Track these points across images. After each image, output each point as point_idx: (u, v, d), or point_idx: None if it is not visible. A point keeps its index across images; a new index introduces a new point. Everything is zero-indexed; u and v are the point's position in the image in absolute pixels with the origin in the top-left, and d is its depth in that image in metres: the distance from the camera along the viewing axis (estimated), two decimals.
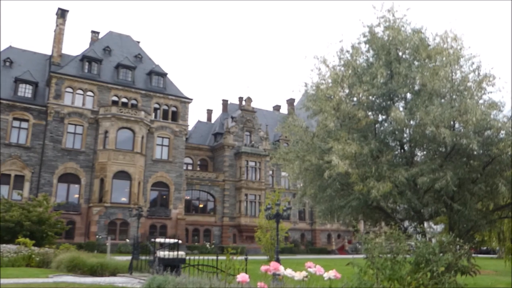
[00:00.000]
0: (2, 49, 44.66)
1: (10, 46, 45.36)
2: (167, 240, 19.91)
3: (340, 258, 35.14)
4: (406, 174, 12.91)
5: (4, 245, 22.04)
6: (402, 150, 15.31)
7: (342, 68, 15.48)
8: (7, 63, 42.82)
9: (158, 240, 20.56)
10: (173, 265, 14.10)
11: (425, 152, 15.25)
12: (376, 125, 15.21)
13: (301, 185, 17.96)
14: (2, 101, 38.68)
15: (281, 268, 4.87)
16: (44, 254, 21.04)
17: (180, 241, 22.57)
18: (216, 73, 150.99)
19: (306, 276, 5.08)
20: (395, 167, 13.46)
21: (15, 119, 39.20)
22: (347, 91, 15.33)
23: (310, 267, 5.16)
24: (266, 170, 53.60)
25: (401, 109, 14.35)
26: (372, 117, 15.07)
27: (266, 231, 31.31)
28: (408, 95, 14.74)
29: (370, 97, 14.72)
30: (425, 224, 16.04)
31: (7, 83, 40.58)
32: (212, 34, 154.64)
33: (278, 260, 14.98)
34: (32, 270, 17.86)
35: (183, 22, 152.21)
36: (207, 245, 44.09)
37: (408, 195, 13.34)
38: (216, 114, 62.28)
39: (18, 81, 40.52)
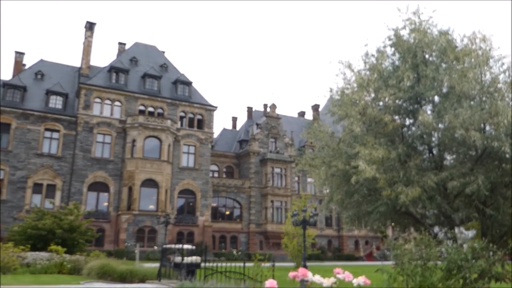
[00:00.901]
0: (34, 63, 46.25)
1: (41, 60, 46.88)
2: (184, 246, 20.34)
3: (368, 265, 34.57)
4: (436, 179, 12.63)
5: (37, 252, 22.68)
6: (430, 154, 14.99)
7: (368, 72, 15.33)
8: (39, 76, 44.24)
9: (175, 246, 21.39)
10: (189, 269, 15.56)
11: (454, 156, 14.88)
12: (403, 129, 14.97)
13: (328, 191, 17.80)
14: (34, 112, 39.99)
15: (309, 274, 4.84)
16: (75, 261, 21.48)
17: (194, 247, 23.87)
18: (241, 81, 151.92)
19: (335, 283, 5.03)
20: (424, 172, 13.19)
21: (46, 129, 40.42)
22: (373, 95, 15.15)
23: (338, 273, 5.12)
24: (292, 176, 53.43)
25: (429, 112, 14.08)
26: (399, 121, 14.84)
27: (292, 237, 31.14)
28: (436, 98, 14.46)
29: (397, 101, 14.50)
30: (456, 229, 15.64)
31: (39, 95, 41.93)
32: (236, 41, 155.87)
33: (305, 267, 14.86)
34: (64, 277, 18.27)
35: (206, 31, 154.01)
36: (234, 252, 44.15)
37: (438, 200, 13.04)
38: (241, 121, 62.71)
39: (49, 93, 41.83)
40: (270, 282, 4.73)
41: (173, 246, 22.57)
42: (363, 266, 31.60)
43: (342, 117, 15.67)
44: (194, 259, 19.32)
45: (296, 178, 55.01)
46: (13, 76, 44.65)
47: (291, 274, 4.91)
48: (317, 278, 4.91)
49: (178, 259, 19.18)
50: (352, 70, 15.73)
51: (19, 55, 48.46)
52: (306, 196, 36.34)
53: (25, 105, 40.41)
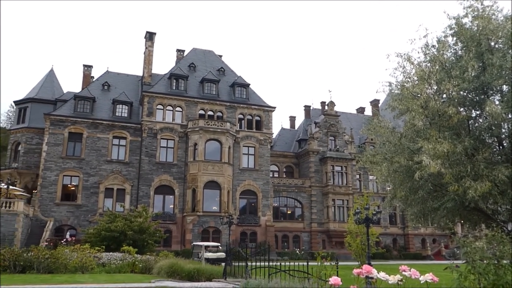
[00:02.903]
0: (100, 75, 49.07)
1: (107, 71, 49.60)
2: (211, 244, 30.40)
3: (436, 264, 33.22)
4: (507, 172, 11.99)
5: (111, 253, 24.08)
6: (500, 147, 14.24)
7: (428, 64, 14.86)
8: (105, 87, 46.86)
9: (202, 243, 29.81)
10: (216, 263, 21.94)
11: None
12: (469, 121, 14.34)
13: (390, 187, 17.41)
14: (103, 121, 42.46)
15: (374, 271, 4.84)
16: (146, 261, 22.50)
17: (219, 245, 31.67)
18: (298, 80, 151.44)
19: (401, 280, 4.99)
20: (494, 165, 12.57)
21: (114, 137, 42.76)
22: (435, 87, 14.67)
23: (404, 270, 5.07)
24: (353, 174, 52.51)
25: (497, 102, 13.39)
26: (464, 113, 14.24)
27: (356, 236, 30.62)
28: (504, 87, 13.72)
29: (461, 92, 13.93)
30: None
31: (106, 105, 44.43)
32: (292, 40, 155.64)
33: (370, 265, 14.66)
34: (136, 276, 19.24)
35: (262, 32, 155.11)
36: (297, 251, 44.18)
37: (510, 194, 12.38)
38: (299, 120, 62.56)
39: (115, 102, 44.21)
40: (334, 279, 4.79)
41: (200, 243, 30.37)
42: (431, 265, 30.40)
43: (403, 112, 15.31)
44: (219, 254, 27.20)
45: (357, 176, 54.02)
46: (82, 88, 47.65)
47: (355, 271, 4.94)
48: (382, 275, 4.91)
49: (207, 254, 27.57)
50: (412, 63, 15.32)
51: (87, 68, 51.63)
52: (368, 193, 35.54)
53: (95, 115, 43.02)
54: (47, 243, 31.23)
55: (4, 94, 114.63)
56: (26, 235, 34.66)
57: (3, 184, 36.10)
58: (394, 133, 15.66)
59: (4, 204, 32.11)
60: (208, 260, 25.95)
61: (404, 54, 15.27)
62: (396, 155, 14.47)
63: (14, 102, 49.13)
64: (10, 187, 36.18)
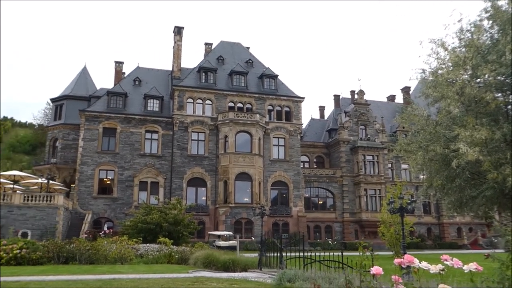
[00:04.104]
0: (131, 71, 50.02)
1: (138, 67, 50.52)
2: (224, 233, 34.22)
3: (473, 253, 32.54)
4: None
5: (148, 244, 24.75)
6: None
7: (463, 49, 14.46)
8: (137, 82, 47.77)
9: (217, 232, 34.05)
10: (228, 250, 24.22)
11: None
12: (508, 107, 13.92)
13: (426, 176, 17.12)
14: (135, 116, 43.37)
15: (416, 260, 4.86)
16: (182, 252, 23.02)
17: (231, 234, 34.86)
18: (326, 69, 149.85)
19: (443, 270, 4.97)
20: None
21: (147, 131, 43.65)
22: (470, 73, 14.29)
23: (446, 260, 5.05)
24: (385, 163, 51.80)
25: None
26: (502, 98, 13.83)
27: (389, 226, 30.38)
28: None
29: (498, 77, 13.52)
30: None
31: (138, 100, 45.33)
32: (318, 30, 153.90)
33: (404, 255, 14.53)
34: (173, 267, 19.72)
35: (289, 22, 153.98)
36: (329, 242, 44.10)
37: None
38: (329, 110, 62.03)
39: (146, 97, 45.04)
40: (376, 269, 4.83)
41: (214, 232, 34.33)
42: (468, 254, 29.83)
43: (438, 99, 14.99)
44: (231, 242, 30.95)
45: (390, 165, 53.25)
46: (115, 84, 48.75)
47: (396, 261, 4.96)
48: (424, 265, 4.91)
49: (219, 243, 30.78)
50: (446, 49, 14.96)
51: (119, 64, 52.71)
52: (402, 183, 35.10)
53: (127, 110, 43.99)
54: (86, 235, 32.41)
55: (41, 92, 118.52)
56: (66, 227, 35.99)
57: (43, 179, 37.56)
58: (429, 121, 15.36)
59: (45, 198, 33.41)
60: (220, 247, 28.49)
61: (438, 40, 14.91)
62: (431, 143, 14.22)
63: (51, 99, 50.81)
64: (50, 181, 37.61)
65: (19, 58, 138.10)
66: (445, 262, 5.08)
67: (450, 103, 13.73)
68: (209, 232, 35.80)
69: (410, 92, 59.13)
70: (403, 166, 52.07)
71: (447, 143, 13.67)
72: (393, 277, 5.05)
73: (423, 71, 15.72)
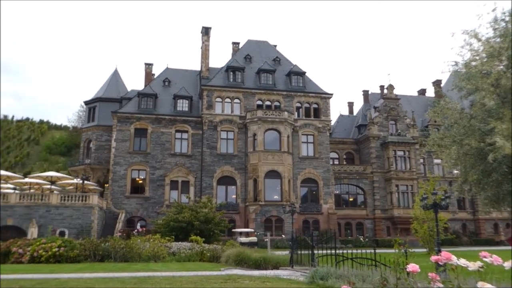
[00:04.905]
0: (161, 72, 50.81)
1: (167, 68, 51.25)
2: (245, 230, 36.35)
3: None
4: None
5: (179, 242, 25.10)
6: None
7: (498, 40, 14.03)
8: (166, 83, 48.48)
9: (239, 230, 36.07)
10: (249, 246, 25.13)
11: None
12: None
13: (460, 171, 16.70)
14: (165, 116, 44.05)
15: (453, 257, 4.74)
16: (213, 250, 23.23)
17: (252, 230, 37.73)
18: (354, 65, 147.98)
19: (482, 267, 4.84)
20: None
21: (177, 131, 44.25)
22: (506, 64, 13.84)
23: (485, 256, 4.91)
24: (416, 158, 50.73)
25: None
26: None
27: (422, 222, 29.81)
28: None
29: None
30: None
31: (168, 100, 46.01)
32: (345, 25, 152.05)
33: (439, 252, 14.20)
34: (205, 264, 19.96)
35: (315, 18, 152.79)
36: (361, 239, 43.62)
37: None
38: (358, 106, 61.30)
39: (176, 97, 45.66)
40: (412, 266, 4.75)
41: (237, 230, 36.15)
42: (506, 251, 28.89)
43: (471, 91, 14.61)
44: (251, 239, 33.73)
45: (421, 160, 52.11)
46: (145, 85, 49.63)
47: (433, 258, 4.86)
48: (462, 262, 4.79)
49: (240, 239, 32.72)
50: (479, 39, 14.55)
51: (148, 66, 53.61)
52: (435, 178, 34.36)
53: (157, 110, 44.71)
54: (120, 234, 33.14)
55: (75, 95, 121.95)
56: (101, 226, 36.95)
57: (78, 179, 38.66)
58: (463, 114, 14.98)
59: (80, 198, 34.40)
60: (242, 243, 30.21)
61: (471, 30, 14.52)
62: (466, 137, 13.87)
63: (84, 102, 52.17)
64: (85, 182, 38.70)
65: (54, 63, 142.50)
66: (484, 259, 4.94)
67: (485, 96, 13.36)
68: (233, 230, 36.63)
69: (442, 85, 57.70)
70: (436, 161, 50.91)
71: (482, 137, 13.30)
72: (430, 274, 4.95)
73: (456, 63, 15.35)
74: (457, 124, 14.99)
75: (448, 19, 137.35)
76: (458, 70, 15.40)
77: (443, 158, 16.44)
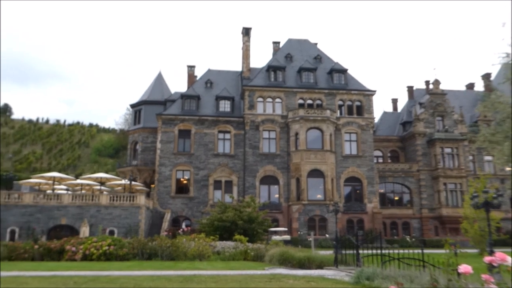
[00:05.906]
0: (203, 74, 51.66)
1: (209, 69, 52.02)
2: (279, 229, 36.46)
3: None
4: None
5: (224, 242, 25.40)
6: None
7: None
8: (208, 85, 49.22)
9: (273, 229, 35.32)
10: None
11: None
12: None
13: None
14: (208, 117, 44.76)
15: (509, 258, 4.56)
16: (257, 249, 23.30)
17: (286, 229, 37.88)
18: (398, 60, 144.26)
19: None
20: None
21: (219, 132, 44.86)
22: None
23: None
24: (465, 155, 48.78)
25: None
26: None
27: (473, 221, 28.66)
28: None
29: None
30: None
31: (210, 102, 46.72)
32: (388, 20, 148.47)
33: (492, 253, 13.61)
34: (249, 263, 20.09)
35: (357, 14, 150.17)
36: (407, 239, 42.47)
37: None
38: (402, 102, 59.61)
39: (218, 98, 46.28)
40: (464, 267, 4.62)
41: (272, 229, 35.20)
42: None
43: None
44: (284, 237, 33.89)
45: (471, 157, 50.05)
46: (188, 87, 50.58)
47: (487, 259, 4.70)
48: None
49: (274, 237, 32.88)
50: None
51: (191, 68, 54.61)
52: (486, 175, 32.92)
53: (200, 111, 45.50)
54: (166, 233, 34.00)
55: (121, 99, 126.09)
56: (148, 225, 38.04)
57: (126, 180, 39.98)
58: None
59: (128, 198, 35.58)
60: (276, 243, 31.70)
61: None
62: None
63: (130, 105, 53.90)
64: (132, 182, 39.98)
65: (102, 69, 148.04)
66: None
67: None
68: (269, 229, 36.21)
69: (492, 78, 55.17)
70: (487, 158, 48.77)
71: None
72: (483, 276, 4.78)
73: (508, 54, 14.70)
74: (509, 118, 14.31)
75: (498, 8, 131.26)
76: (510, 62, 14.71)
77: (495, 154, 15.76)
